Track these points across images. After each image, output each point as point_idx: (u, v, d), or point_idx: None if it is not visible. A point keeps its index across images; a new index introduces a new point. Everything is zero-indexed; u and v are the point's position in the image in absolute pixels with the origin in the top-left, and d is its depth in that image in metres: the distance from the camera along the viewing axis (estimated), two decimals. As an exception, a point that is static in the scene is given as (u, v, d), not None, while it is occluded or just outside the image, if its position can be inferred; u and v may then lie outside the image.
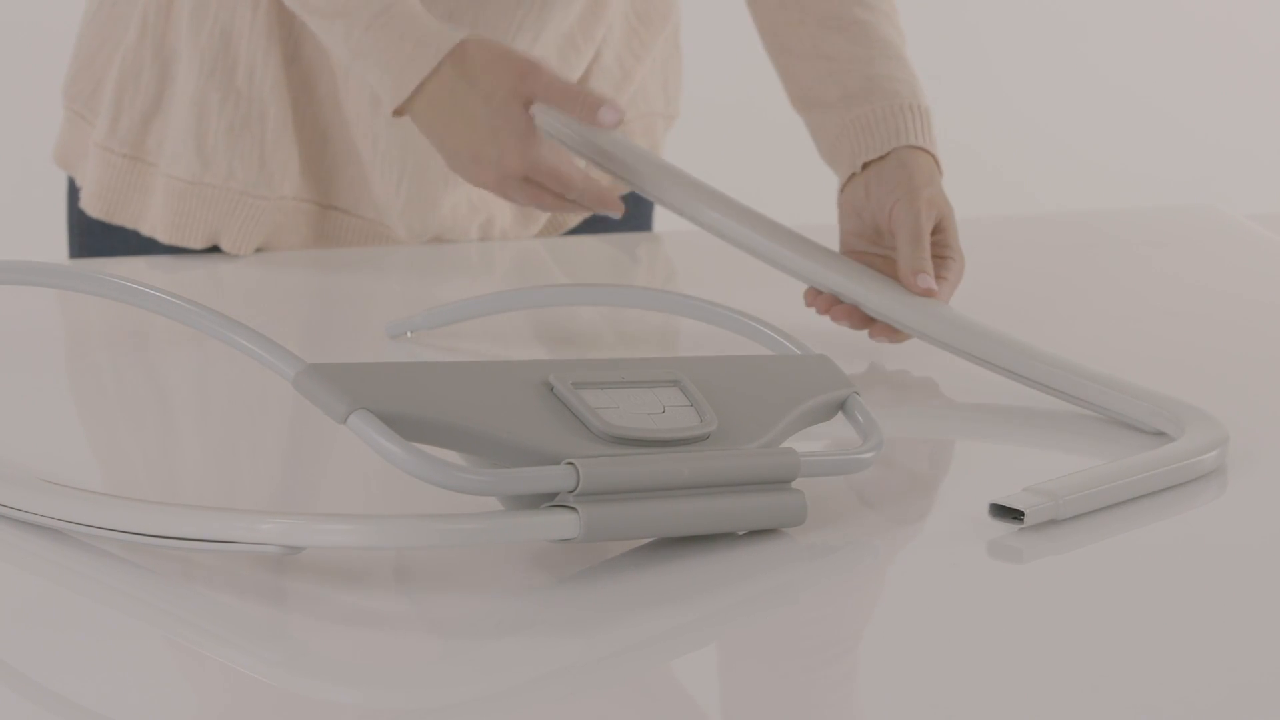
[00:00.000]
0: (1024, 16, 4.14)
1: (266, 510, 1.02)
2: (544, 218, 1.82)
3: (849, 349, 1.45)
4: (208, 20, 1.64)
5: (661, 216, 1.88)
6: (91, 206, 1.69)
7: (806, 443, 1.16)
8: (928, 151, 1.46)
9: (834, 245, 1.49)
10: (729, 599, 1.04)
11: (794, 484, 1.10)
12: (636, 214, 1.83)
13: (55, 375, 1.48)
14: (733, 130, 4.01)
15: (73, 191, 1.75)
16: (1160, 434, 1.28)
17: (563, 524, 1.03)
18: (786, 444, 1.13)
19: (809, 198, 4.04)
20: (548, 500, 1.04)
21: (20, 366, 1.48)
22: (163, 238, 1.68)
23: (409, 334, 1.50)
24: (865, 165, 1.45)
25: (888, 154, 1.44)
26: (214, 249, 1.72)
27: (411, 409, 1.03)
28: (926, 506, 1.18)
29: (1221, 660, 0.96)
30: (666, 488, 1.05)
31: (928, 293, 1.38)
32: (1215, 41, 4.22)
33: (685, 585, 1.05)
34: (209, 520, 1.02)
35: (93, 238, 1.72)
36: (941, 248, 1.43)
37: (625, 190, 1.66)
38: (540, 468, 1.03)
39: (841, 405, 1.18)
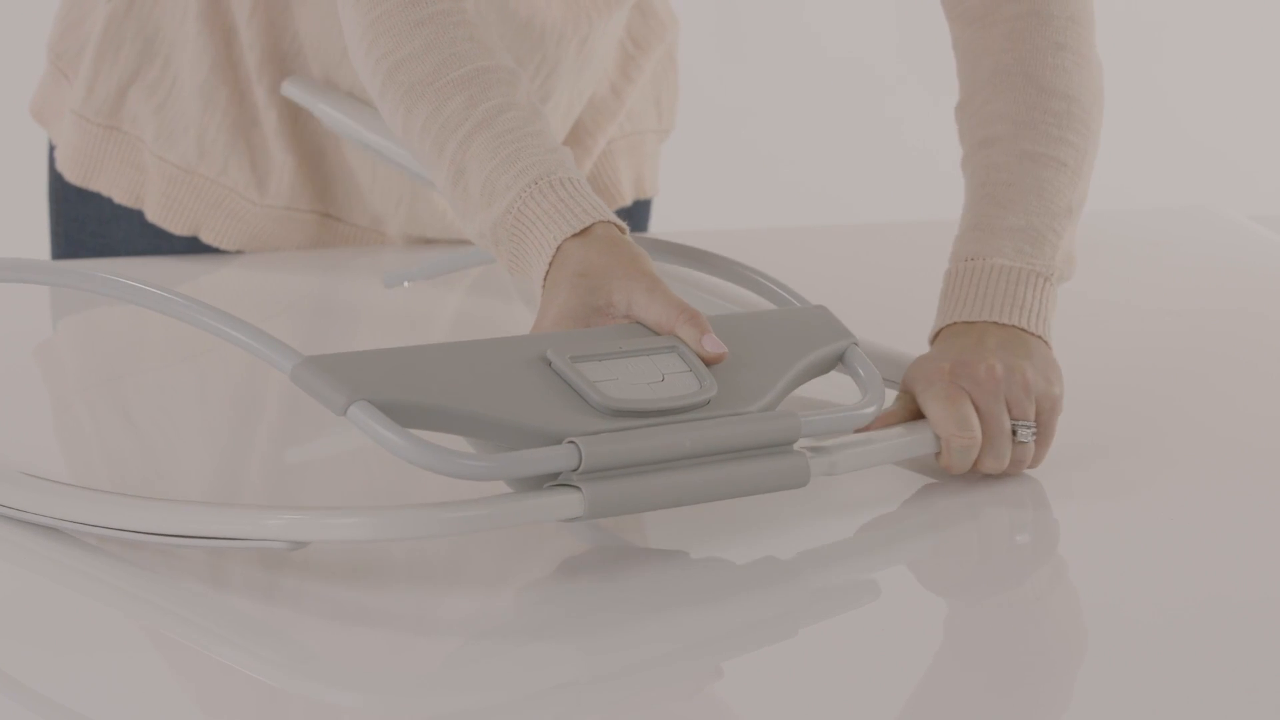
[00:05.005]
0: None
1: (270, 505, 1.03)
2: None
3: (847, 301, 1.42)
4: (219, 18, 1.64)
5: (658, 219, 1.88)
6: (68, 171, 1.70)
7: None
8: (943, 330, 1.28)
9: (832, 245, 1.49)
10: (731, 620, 1.05)
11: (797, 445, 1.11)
12: (635, 218, 1.83)
13: (52, 374, 1.49)
14: (729, 138, 4.01)
15: (53, 149, 1.75)
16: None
17: (567, 503, 1.03)
18: (787, 403, 1.13)
19: (806, 203, 4.05)
20: (552, 480, 1.04)
21: (18, 366, 1.49)
22: (150, 214, 1.69)
23: (405, 284, 1.51)
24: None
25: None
26: (210, 250, 1.72)
27: (410, 396, 1.03)
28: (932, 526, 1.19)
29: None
30: (669, 459, 1.06)
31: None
32: (1216, 41, 4.22)
33: (691, 592, 1.06)
34: (213, 517, 1.03)
35: (68, 204, 1.72)
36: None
37: None
38: (542, 449, 1.03)
39: (841, 357, 1.18)
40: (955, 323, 1.26)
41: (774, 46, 4.00)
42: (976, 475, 1.21)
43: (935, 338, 1.27)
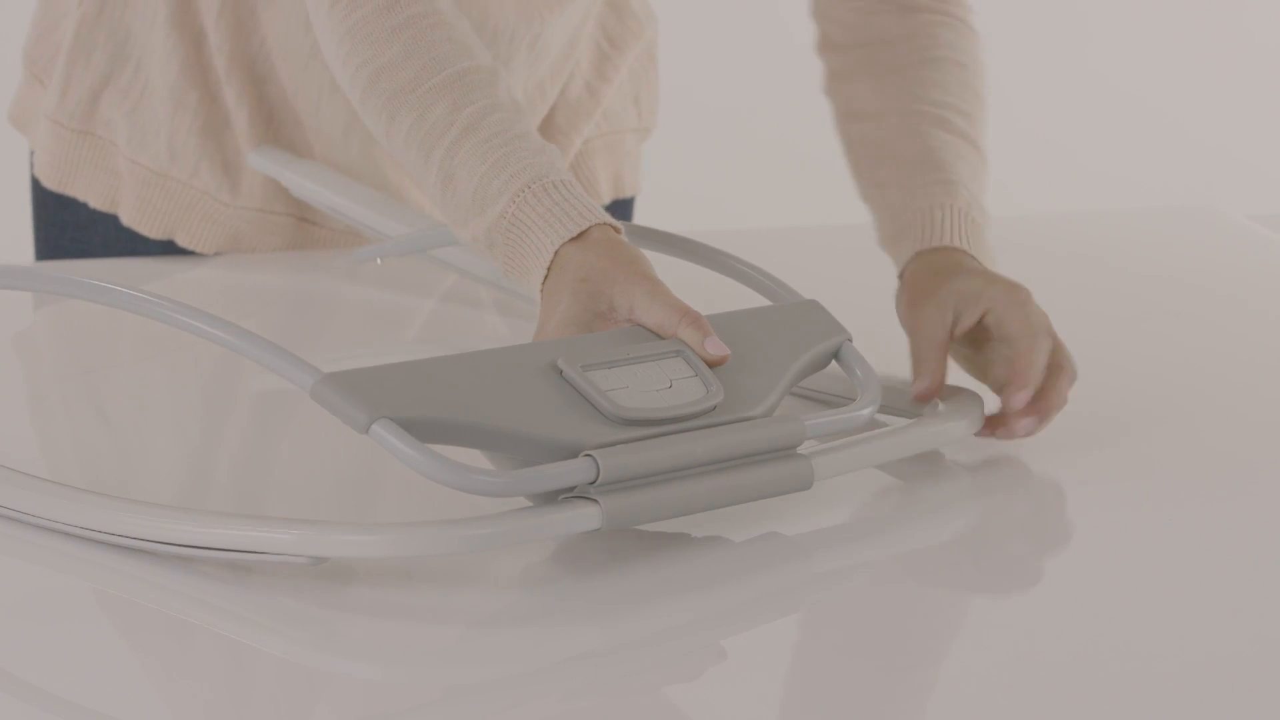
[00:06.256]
0: (1022, 18, 4.14)
1: (293, 520, 1.05)
2: None
3: (839, 301, 1.43)
4: (188, 21, 1.64)
5: (643, 218, 1.88)
6: (45, 176, 1.71)
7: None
8: (957, 249, 1.35)
9: (824, 244, 1.48)
10: (736, 598, 1.06)
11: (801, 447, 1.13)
12: (616, 217, 1.82)
13: (68, 385, 1.48)
14: (715, 137, 4.01)
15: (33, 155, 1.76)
16: None
17: (585, 517, 1.05)
18: (789, 403, 1.17)
19: (792, 203, 4.05)
20: (568, 491, 1.07)
21: (29, 375, 1.49)
22: (125, 218, 1.69)
23: (379, 261, 1.55)
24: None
25: (901, 273, 1.36)
26: (188, 252, 1.72)
27: (429, 412, 1.05)
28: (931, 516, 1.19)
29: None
30: (681, 469, 1.08)
31: (922, 397, 1.27)
32: (1216, 40, 4.22)
33: (694, 572, 1.08)
34: (238, 531, 1.05)
35: (48, 210, 1.73)
36: (982, 305, 1.28)
37: None
38: (559, 464, 1.05)
39: (836, 353, 1.20)
40: (972, 254, 1.32)
41: (764, 43, 4.00)
42: (976, 459, 1.24)
43: (952, 255, 1.32)
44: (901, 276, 1.35)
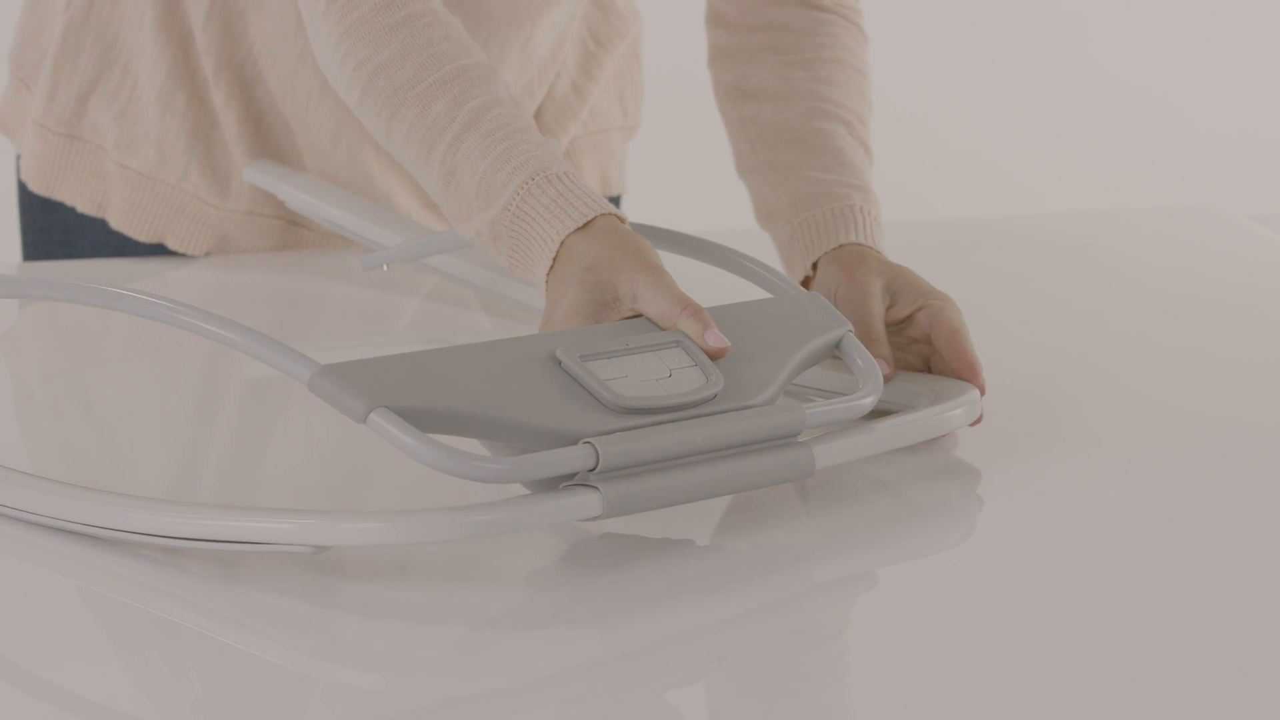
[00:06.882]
0: (1025, 13, 4.15)
1: (293, 510, 1.05)
2: None
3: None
4: (175, 24, 1.64)
5: (628, 213, 1.88)
6: (32, 180, 1.71)
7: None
8: (871, 248, 1.39)
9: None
10: (738, 605, 1.06)
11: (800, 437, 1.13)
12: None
13: (55, 383, 1.48)
14: (700, 136, 4.01)
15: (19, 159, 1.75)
16: None
17: (584, 504, 1.06)
18: (789, 393, 1.18)
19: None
20: (568, 480, 1.07)
21: (16, 374, 1.49)
22: (114, 221, 1.68)
23: (385, 267, 1.55)
24: (815, 266, 1.41)
25: (828, 251, 1.39)
26: (174, 253, 1.71)
27: (427, 401, 1.06)
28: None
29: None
30: (681, 456, 1.08)
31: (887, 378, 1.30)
32: (1219, 38, 4.23)
33: (696, 580, 1.08)
34: (238, 522, 1.05)
35: (35, 215, 1.72)
36: (923, 299, 1.33)
37: None
38: (559, 450, 1.06)
39: (838, 344, 1.20)
40: (879, 252, 1.36)
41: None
42: (976, 462, 1.25)
43: (872, 250, 1.35)
44: (818, 261, 1.38)
